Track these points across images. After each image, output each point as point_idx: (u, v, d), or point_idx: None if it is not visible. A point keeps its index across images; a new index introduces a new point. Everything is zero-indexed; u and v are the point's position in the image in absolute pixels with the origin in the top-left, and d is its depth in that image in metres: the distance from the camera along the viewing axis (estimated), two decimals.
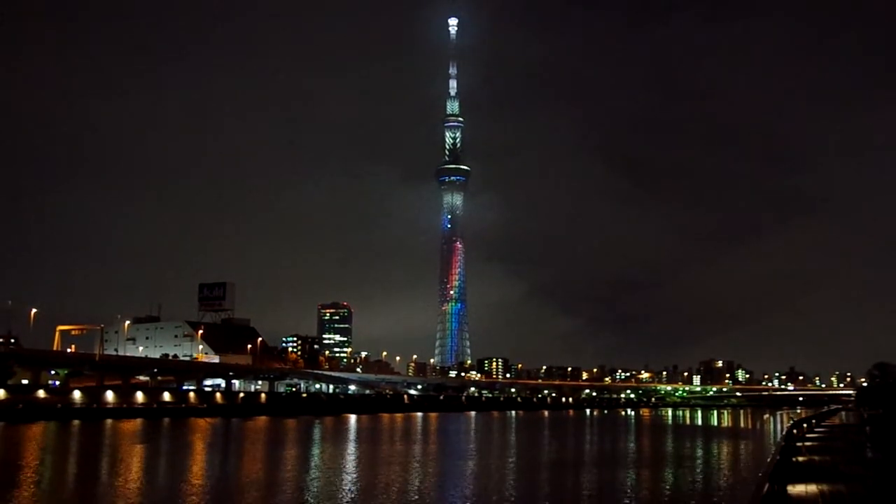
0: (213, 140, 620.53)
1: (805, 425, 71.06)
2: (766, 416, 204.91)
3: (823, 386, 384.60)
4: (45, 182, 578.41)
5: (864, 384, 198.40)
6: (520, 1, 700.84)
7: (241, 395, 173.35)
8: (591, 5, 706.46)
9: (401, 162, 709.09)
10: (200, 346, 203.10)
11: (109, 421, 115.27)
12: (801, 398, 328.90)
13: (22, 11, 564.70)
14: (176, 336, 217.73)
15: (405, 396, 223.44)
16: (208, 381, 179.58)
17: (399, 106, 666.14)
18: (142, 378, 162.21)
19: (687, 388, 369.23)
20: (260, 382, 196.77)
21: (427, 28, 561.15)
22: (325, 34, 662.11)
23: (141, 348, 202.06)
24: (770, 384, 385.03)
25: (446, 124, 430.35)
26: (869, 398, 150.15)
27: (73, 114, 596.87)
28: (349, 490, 43.76)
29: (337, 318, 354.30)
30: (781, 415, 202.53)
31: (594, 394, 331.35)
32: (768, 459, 39.64)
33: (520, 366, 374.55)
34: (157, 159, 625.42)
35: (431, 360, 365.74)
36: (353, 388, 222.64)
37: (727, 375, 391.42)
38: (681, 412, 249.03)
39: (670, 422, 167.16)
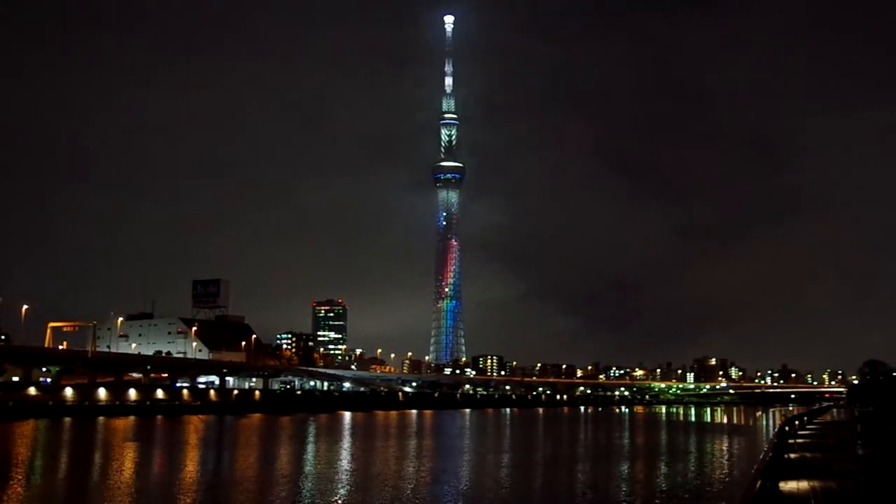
0: (210, 140, 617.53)
1: (797, 422, 71.40)
2: (758, 413, 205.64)
3: (815, 383, 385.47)
4: (38, 180, 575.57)
5: (856, 382, 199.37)
6: (519, 0, 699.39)
7: (236, 392, 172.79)
8: (589, 4, 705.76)
9: (397, 160, 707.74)
10: (194, 343, 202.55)
11: (102, 418, 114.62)
12: (793, 395, 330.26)
13: (32, 11, 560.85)
14: (169, 333, 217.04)
15: (400, 394, 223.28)
16: (202, 378, 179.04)
17: (400, 106, 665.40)
18: (135, 375, 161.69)
19: (681, 386, 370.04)
20: (254, 379, 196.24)
21: (427, 29, 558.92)
22: (325, 36, 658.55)
23: (134, 345, 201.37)
24: (763, 382, 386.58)
25: (442, 122, 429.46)
26: (860, 395, 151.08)
27: (68, 114, 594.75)
28: (343, 486, 43.67)
29: (332, 315, 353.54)
30: (774, 412, 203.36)
31: (588, 391, 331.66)
32: (761, 456, 39.75)
33: (514, 363, 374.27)
34: (151, 158, 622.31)
35: (426, 358, 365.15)
36: (347, 385, 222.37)
37: (721, 373, 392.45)
38: (674, 409, 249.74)
39: (664, 418, 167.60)
